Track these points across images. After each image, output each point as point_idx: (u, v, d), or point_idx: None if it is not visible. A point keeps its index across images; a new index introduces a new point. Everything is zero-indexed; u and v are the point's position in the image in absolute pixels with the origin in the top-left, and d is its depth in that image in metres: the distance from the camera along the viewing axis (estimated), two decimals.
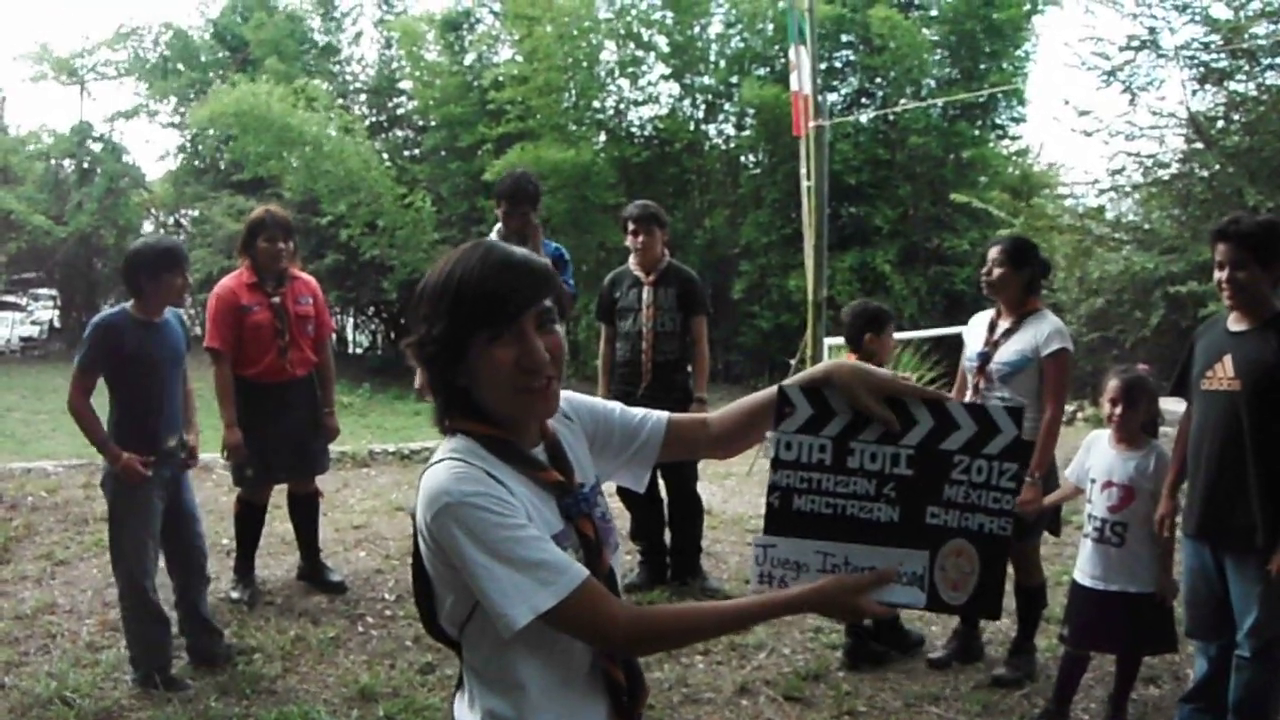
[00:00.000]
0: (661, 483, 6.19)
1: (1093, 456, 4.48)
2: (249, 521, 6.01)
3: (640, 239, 6.03)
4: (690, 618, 1.88)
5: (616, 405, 2.10)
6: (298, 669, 4.96)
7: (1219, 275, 3.99)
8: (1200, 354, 4.14)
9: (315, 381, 6.03)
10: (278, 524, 7.33)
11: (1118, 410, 4.34)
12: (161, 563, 4.86)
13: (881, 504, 1.85)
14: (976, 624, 5.17)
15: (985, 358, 4.81)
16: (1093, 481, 4.42)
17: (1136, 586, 4.29)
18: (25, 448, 11.07)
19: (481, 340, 1.74)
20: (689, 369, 6.12)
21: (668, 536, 6.29)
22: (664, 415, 2.08)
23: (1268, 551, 3.83)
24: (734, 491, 8.70)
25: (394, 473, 9.30)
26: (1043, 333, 4.68)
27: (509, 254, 1.79)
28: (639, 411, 2.09)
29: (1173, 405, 4.50)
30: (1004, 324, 4.84)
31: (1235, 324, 4.02)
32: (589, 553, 1.83)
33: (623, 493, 6.28)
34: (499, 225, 6.07)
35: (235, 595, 5.82)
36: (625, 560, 6.59)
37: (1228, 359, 3.98)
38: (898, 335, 12.14)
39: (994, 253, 4.82)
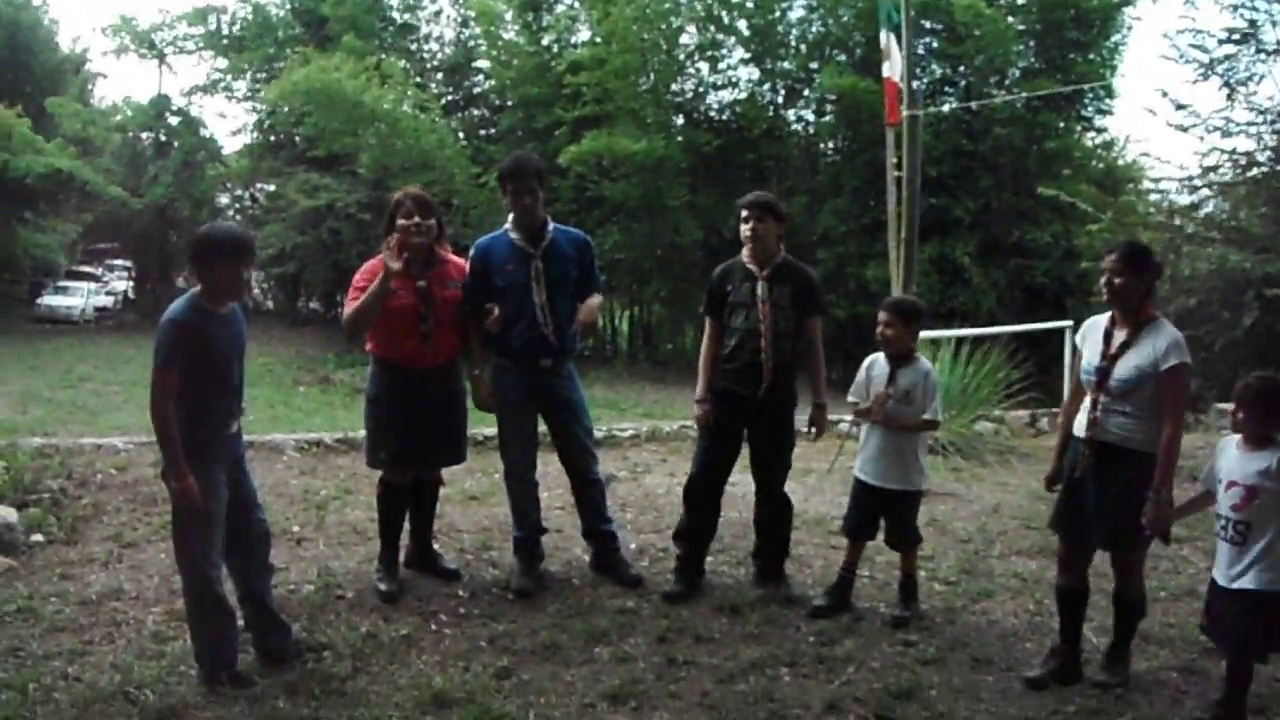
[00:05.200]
0: (743, 481, 5.98)
1: (1221, 459, 4.48)
2: (391, 505, 5.80)
3: (754, 226, 5.70)
4: None
5: None
6: (369, 669, 4.77)
7: None
8: None
9: (460, 366, 5.83)
10: (349, 511, 7.20)
11: (1240, 415, 4.40)
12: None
13: None
14: (1076, 643, 4.92)
15: (1104, 372, 4.66)
16: (1220, 483, 4.42)
17: (1255, 584, 4.23)
18: (97, 419, 11.09)
19: None
20: (796, 373, 5.84)
21: (702, 545, 6.02)
22: None
23: None
24: (815, 490, 8.39)
25: (470, 459, 9.06)
26: (1160, 346, 4.54)
27: None
28: None
29: None
30: (1120, 334, 4.67)
31: None
32: None
33: (690, 494, 5.99)
34: (512, 214, 5.81)
35: (382, 587, 5.64)
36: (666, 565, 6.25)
37: None
38: (975, 330, 11.83)
39: (1112, 260, 4.64)
